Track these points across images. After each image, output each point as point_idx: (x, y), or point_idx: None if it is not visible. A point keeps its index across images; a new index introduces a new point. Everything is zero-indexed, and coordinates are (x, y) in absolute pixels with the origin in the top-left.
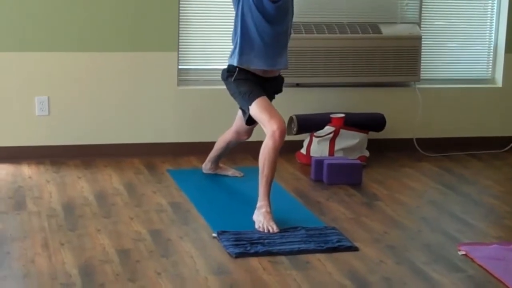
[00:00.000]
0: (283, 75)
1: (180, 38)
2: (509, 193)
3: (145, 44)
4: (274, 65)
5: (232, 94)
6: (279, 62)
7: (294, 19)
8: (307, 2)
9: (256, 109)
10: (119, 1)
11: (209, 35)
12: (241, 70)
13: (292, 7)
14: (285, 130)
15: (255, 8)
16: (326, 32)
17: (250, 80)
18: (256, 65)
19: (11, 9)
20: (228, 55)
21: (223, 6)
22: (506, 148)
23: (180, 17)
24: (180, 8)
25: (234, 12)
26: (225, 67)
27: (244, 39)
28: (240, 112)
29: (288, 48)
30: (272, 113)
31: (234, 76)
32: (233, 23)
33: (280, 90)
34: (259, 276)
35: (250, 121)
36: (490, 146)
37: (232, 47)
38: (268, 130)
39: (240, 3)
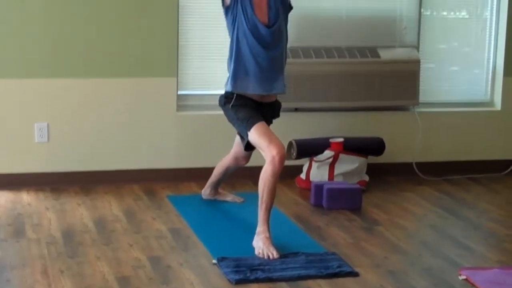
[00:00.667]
0: (281, 100)
1: (179, 63)
2: (509, 217)
3: (144, 70)
4: (271, 89)
5: (230, 120)
6: (275, 87)
7: (293, 44)
8: (305, 27)
9: (255, 135)
10: (118, 27)
11: (207, 60)
12: (238, 95)
13: (287, 31)
14: (284, 155)
15: (249, 33)
16: (325, 57)
17: (248, 105)
18: (253, 90)
19: (10, 36)
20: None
21: (221, 32)
22: (506, 171)
23: (179, 43)
24: (179, 34)
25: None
26: (223, 93)
27: (239, 65)
28: (238, 138)
29: (286, 73)
30: (271, 138)
31: (232, 102)
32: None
33: (277, 115)
34: None
35: (249, 147)
36: (489, 169)
37: (228, 67)
38: (268, 155)
39: (235, 29)
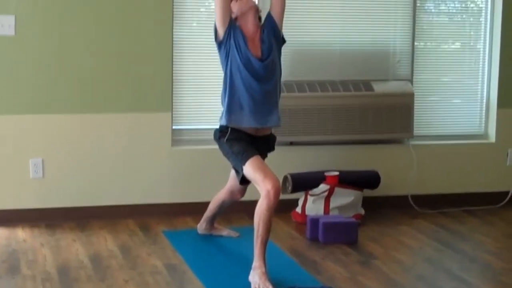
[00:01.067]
0: (276, 134)
1: (174, 98)
2: (505, 249)
3: (139, 105)
4: (265, 122)
5: (225, 154)
6: (269, 120)
7: (287, 78)
8: (299, 61)
9: (249, 169)
10: (112, 62)
11: (202, 95)
12: (233, 129)
13: (280, 65)
14: (279, 189)
15: (243, 66)
16: (319, 91)
17: (243, 139)
18: (247, 124)
19: (4, 71)
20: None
21: (215, 66)
22: (501, 204)
23: (174, 78)
24: (174, 69)
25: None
26: (217, 127)
27: (233, 98)
28: (233, 172)
29: (281, 107)
30: (266, 172)
31: (227, 136)
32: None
33: (272, 149)
34: None
35: (244, 181)
36: (485, 202)
37: (223, 101)
38: (263, 189)
39: (228, 63)
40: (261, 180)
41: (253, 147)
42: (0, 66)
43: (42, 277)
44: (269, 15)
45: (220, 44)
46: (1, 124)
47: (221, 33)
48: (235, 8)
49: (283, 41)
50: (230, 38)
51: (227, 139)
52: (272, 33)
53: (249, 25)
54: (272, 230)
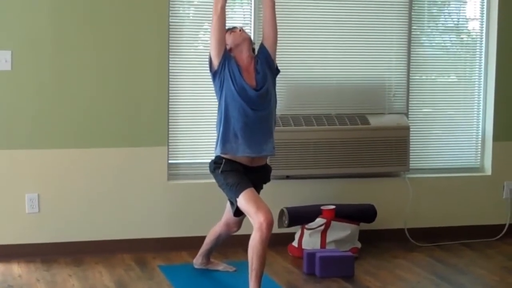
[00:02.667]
0: (272, 168)
1: (169, 132)
2: (503, 282)
3: (134, 140)
4: (260, 151)
5: (220, 186)
6: (265, 149)
7: (283, 112)
8: (295, 95)
9: (243, 201)
10: (108, 97)
11: (198, 129)
12: (228, 161)
13: (275, 94)
14: (272, 221)
15: (237, 95)
16: (315, 124)
17: (237, 171)
18: (242, 153)
19: (6, 112)
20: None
21: (210, 100)
22: (498, 237)
23: (170, 112)
24: (169, 104)
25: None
26: (213, 158)
27: (228, 127)
28: (229, 204)
29: (277, 140)
30: (259, 204)
31: (221, 167)
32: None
33: (268, 180)
34: None
35: (238, 213)
36: (482, 234)
37: (217, 130)
38: (255, 222)
39: (223, 92)
40: (254, 213)
41: (247, 179)
42: None
43: None
44: (262, 46)
45: (214, 74)
46: None
47: (216, 63)
48: (230, 40)
49: (277, 71)
50: (224, 68)
51: (221, 171)
52: (266, 63)
53: (243, 56)
54: (269, 264)
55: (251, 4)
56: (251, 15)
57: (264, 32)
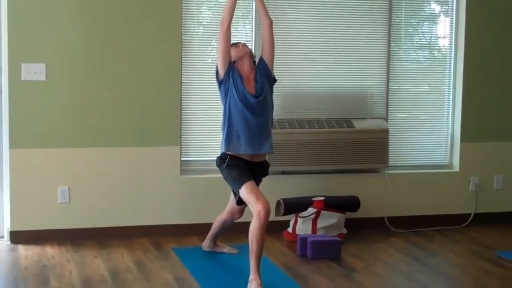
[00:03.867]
0: (270, 164)
1: (182, 134)
2: (469, 264)
3: (151, 140)
4: (259, 149)
5: (225, 178)
6: (263, 148)
7: (280, 116)
8: (291, 102)
9: (244, 192)
10: (129, 104)
11: (206, 131)
12: (232, 157)
13: (272, 100)
14: (269, 210)
15: (240, 102)
16: (307, 127)
17: (240, 166)
18: (243, 151)
19: (36, 112)
20: None
21: (217, 106)
22: (465, 224)
23: (182, 116)
24: (182, 108)
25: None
26: (219, 155)
27: (231, 129)
28: (232, 194)
29: (275, 141)
30: (258, 195)
31: (226, 162)
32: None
33: (266, 174)
34: None
35: (240, 202)
36: (451, 222)
37: (222, 131)
38: (255, 210)
39: (227, 99)
40: (254, 202)
41: (248, 173)
42: (33, 107)
43: None
44: (261, 59)
45: (220, 82)
46: (34, 157)
47: (221, 73)
48: (233, 53)
49: (274, 80)
50: (229, 78)
51: (226, 165)
52: (264, 74)
53: (245, 67)
54: (266, 248)
55: (252, 23)
56: (252, 32)
57: (263, 47)
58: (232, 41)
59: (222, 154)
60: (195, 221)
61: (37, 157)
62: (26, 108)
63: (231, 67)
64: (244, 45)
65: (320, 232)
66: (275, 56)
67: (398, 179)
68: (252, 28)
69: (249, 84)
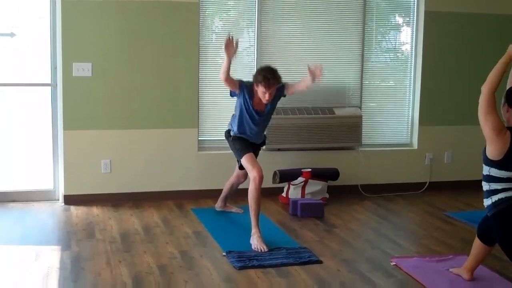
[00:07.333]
0: (268, 144)
1: (200, 119)
2: (424, 222)
3: (175, 123)
4: (257, 140)
5: (230, 148)
6: (259, 139)
7: (277, 105)
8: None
9: (244, 161)
10: (158, 95)
11: (219, 116)
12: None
13: (272, 113)
14: (262, 176)
15: (247, 115)
16: (298, 114)
17: (243, 139)
18: (247, 137)
19: (84, 102)
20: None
21: (226, 97)
22: (421, 190)
23: (200, 106)
24: (199, 98)
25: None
26: (228, 128)
27: (241, 125)
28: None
29: (272, 125)
30: (254, 164)
31: (232, 136)
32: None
33: (263, 144)
34: (255, 283)
35: (242, 167)
36: (410, 188)
37: (233, 119)
38: (251, 176)
39: (239, 104)
40: (251, 169)
41: (249, 146)
42: (81, 99)
43: (109, 240)
44: (282, 90)
45: (234, 94)
46: (82, 136)
47: (236, 91)
48: (258, 91)
49: (283, 96)
50: (243, 94)
51: (232, 138)
52: (277, 99)
53: (262, 97)
54: (264, 208)
55: (254, 32)
56: (255, 40)
57: (290, 90)
58: (239, 50)
59: (231, 130)
60: (209, 187)
61: (85, 137)
62: (76, 98)
63: (244, 87)
64: (273, 85)
65: (308, 196)
66: (271, 57)
67: (369, 155)
68: (255, 36)
69: (259, 106)
